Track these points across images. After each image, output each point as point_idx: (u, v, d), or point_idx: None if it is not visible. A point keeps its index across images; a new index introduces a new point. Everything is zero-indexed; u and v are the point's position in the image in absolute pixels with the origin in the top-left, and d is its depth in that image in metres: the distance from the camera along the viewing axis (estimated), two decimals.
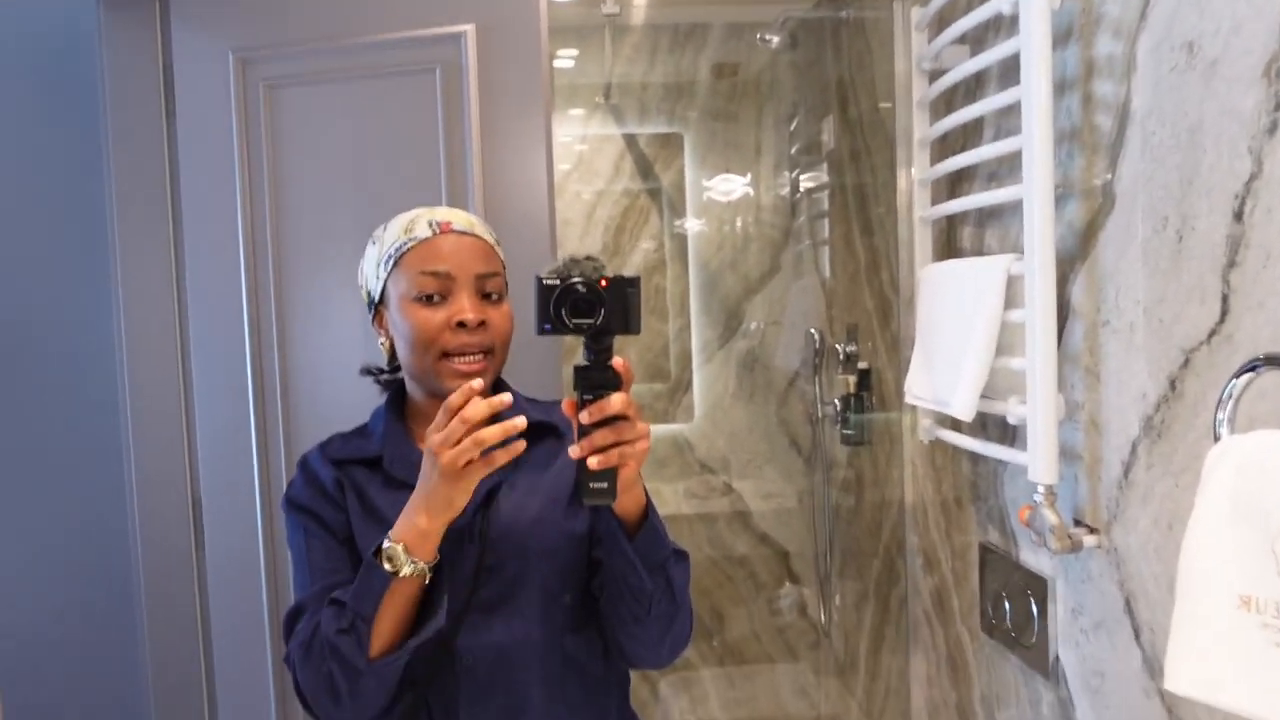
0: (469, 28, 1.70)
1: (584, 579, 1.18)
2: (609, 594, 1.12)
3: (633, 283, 0.95)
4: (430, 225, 1.14)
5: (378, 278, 1.17)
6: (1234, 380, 0.86)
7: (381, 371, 1.27)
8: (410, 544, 1.02)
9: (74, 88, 1.90)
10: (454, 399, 0.97)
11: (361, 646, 1.02)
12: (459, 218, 1.17)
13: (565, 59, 3.07)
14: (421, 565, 1.03)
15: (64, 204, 1.93)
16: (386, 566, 1.01)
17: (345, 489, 1.15)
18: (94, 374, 1.93)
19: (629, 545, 1.05)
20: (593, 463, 0.94)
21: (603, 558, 1.11)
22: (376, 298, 1.18)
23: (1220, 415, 0.87)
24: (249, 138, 1.80)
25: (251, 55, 1.79)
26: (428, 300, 1.11)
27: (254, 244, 1.81)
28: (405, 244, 1.14)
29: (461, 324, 1.11)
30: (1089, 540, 1.26)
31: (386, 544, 1.02)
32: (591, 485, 0.96)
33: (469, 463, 0.96)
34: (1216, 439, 0.87)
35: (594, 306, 0.93)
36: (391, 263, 1.15)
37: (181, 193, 1.84)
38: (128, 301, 1.87)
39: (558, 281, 0.94)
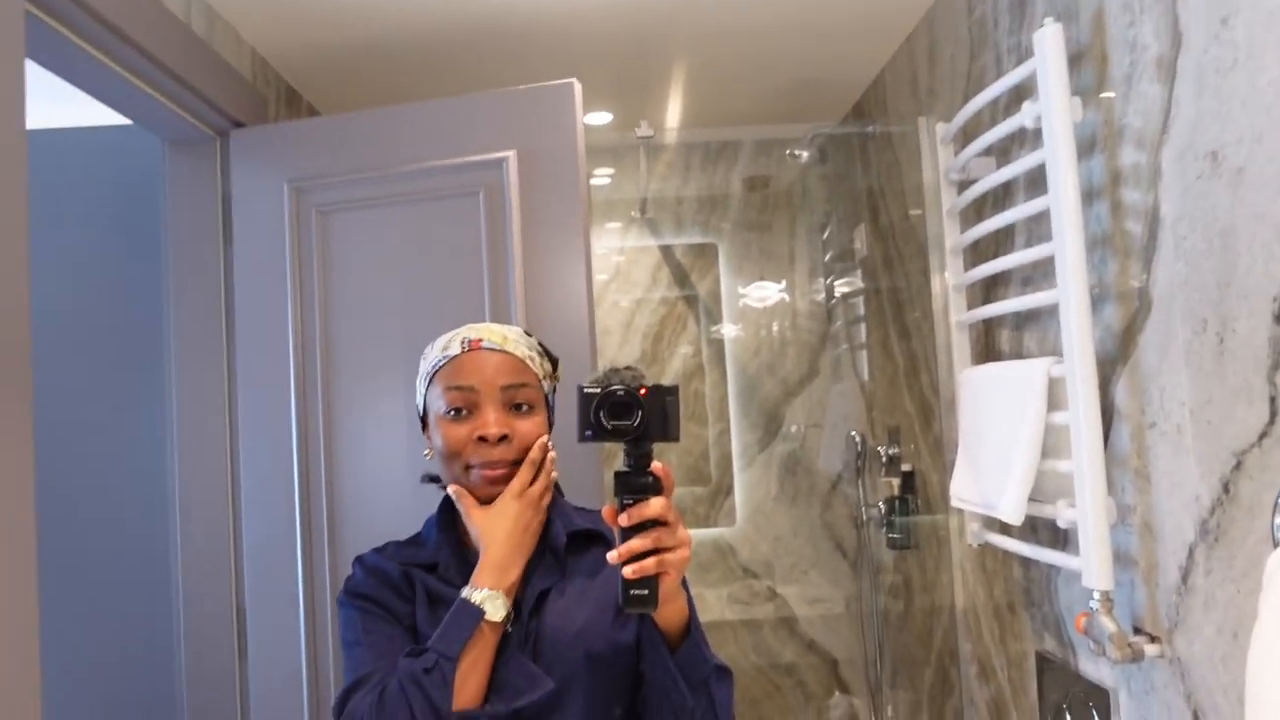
0: (510, 154, 1.78)
1: (634, 692, 1.17)
2: (650, 709, 1.11)
3: (672, 391, 0.98)
4: (462, 343, 1.19)
5: (420, 394, 1.22)
6: None
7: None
8: (507, 592, 1.09)
9: (138, 216, 2.00)
10: (535, 454, 1.16)
11: (446, 685, 1.02)
12: (492, 334, 1.21)
13: (601, 177, 3.18)
14: (511, 611, 1.08)
15: (124, 322, 2.01)
16: (483, 608, 1.06)
17: (415, 583, 1.18)
18: (145, 485, 1.97)
19: (671, 659, 1.05)
20: (628, 571, 0.95)
21: (645, 671, 1.11)
22: (421, 412, 1.23)
23: (1278, 520, 0.85)
24: (301, 260, 1.88)
25: (305, 185, 1.88)
26: (455, 414, 1.15)
27: (304, 361, 1.87)
28: (439, 362, 1.19)
29: (483, 438, 1.14)
30: (1150, 649, 1.22)
31: (476, 590, 1.08)
32: (632, 593, 0.97)
33: None
34: (1276, 544, 0.85)
35: (633, 411, 0.96)
36: (428, 380, 1.20)
37: (235, 312, 1.91)
38: (181, 415, 1.92)
39: (598, 390, 0.97)
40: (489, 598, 1.07)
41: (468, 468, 1.15)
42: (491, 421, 1.14)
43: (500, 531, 1.12)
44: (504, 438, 1.14)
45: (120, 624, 1.99)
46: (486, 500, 1.15)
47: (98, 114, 1.82)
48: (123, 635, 1.99)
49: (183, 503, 1.91)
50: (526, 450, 1.16)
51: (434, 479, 1.30)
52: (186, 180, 1.95)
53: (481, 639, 1.06)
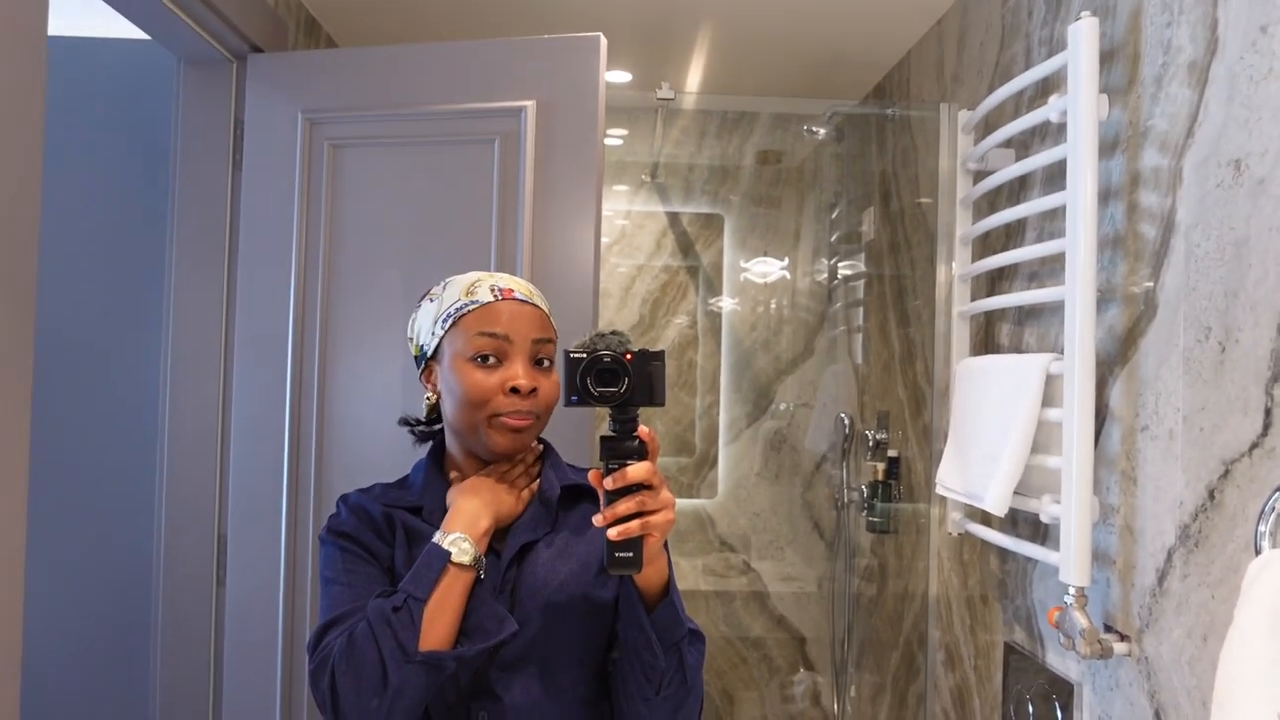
0: (530, 104, 1.77)
1: (605, 651, 1.18)
2: (621, 668, 1.11)
3: (657, 356, 0.99)
4: (493, 290, 1.18)
5: (433, 334, 1.19)
6: (1276, 494, 0.86)
7: (419, 423, 1.30)
8: (477, 538, 1.09)
9: (148, 133, 1.98)
10: (530, 457, 1.20)
11: (414, 625, 1.03)
12: (520, 286, 1.21)
13: (614, 137, 3.16)
14: (480, 557, 1.09)
15: (126, 238, 1.99)
16: (458, 556, 1.07)
17: (395, 525, 1.18)
18: (135, 406, 1.97)
19: (647, 619, 1.06)
20: (613, 533, 0.96)
21: (620, 629, 1.12)
22: (429, 353, 1.21)
23: (1262, 528, 0.87)
24: (310, 192, 1.87)
25: (320, 117, 1.86)
26: (483, 361, 1.15)
27: (304, 293, 1.86)
28: (466, 305, 1.17)
29: (515, 389, 1.14)
30: (1119, 647, 1.24)
31: (445, 535, 1.09)
32: (617, 554, 0.98)
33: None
34: (1258, 552, 0.87)
35: (619, 377, 0.97)
36: (450, 321, 1.18)
37: (240, 239, 1.90)
38: (176, 338, 1.92)
39: (584, 355, 0.98)
40: (456, 540, 1.08)
41: (493, 415, 1.14)
42: (523, 374, 1.14)
43: (479, 494, 1.14)
44: (533, 390, 1.14)
45: (101, 544, 1.99)
46: (503, 448, 1.15)
47: (115, 25, 1.79)
48: (102, 555, 1.99)
49: (172, 427, 1.91)
50: (548, 406, 1.17)
51: (410, 423, 1.30)
52: (200, 102, 1.93)
53: (449, 582, 1.06)
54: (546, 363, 1.18)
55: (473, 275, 1.21)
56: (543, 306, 1.20)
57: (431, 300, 1.22)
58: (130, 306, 2.00)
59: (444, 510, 1.17)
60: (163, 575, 1.91)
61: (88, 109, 2.00)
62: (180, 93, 1.93)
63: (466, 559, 1.07)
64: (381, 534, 1.17)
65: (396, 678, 1.01)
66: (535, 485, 1.21)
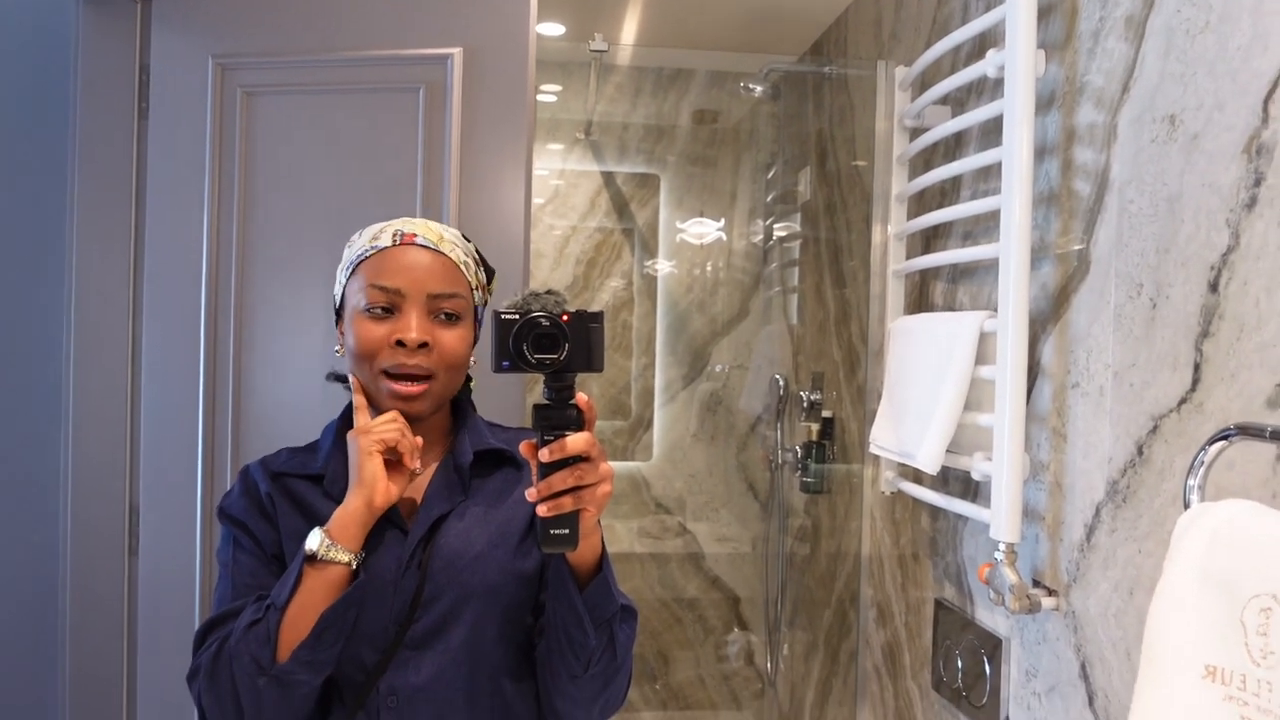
0: (456, 51, 1.70)
1: (530, 623, 1.12)
2: (547, 643, 1.05)
3: (596, 318, 0.91)
4: (394, 236, 1.11)
5: (340, 283, 1.14)
6: (1207, 448, 0.86)
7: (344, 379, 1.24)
8: (334, 530, 1.00)
9: (45, 80, 1.85)
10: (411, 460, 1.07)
11: (270, 637, 0.96)
12: (429, 232, 1.13)
13: (548, 94, 3.08)
14: (343, 554, 0.99)
15: (20, 192, 1.87)
16: (308, 548, 0.99)
17: (277, 502, 1.10)
18: (37, 368, 1.85)
19: (579, 596, 0.99)
20: (543, 509, 0.90)
21: (548, 603, 1.05)
22: (337, 304, 1.15)
23: (1191, 482, 0.87)
24: (222, 143, 1.77)
25: (232, 62, 1.76)
26: (374, 312, 1.08)
27: (218, 249, 1.77)
28: (366, 252, 1.10)
29: (400, 343, 1.06)
30: (1047, 602, 1.25)
31: (316, 531, 1.01)
32: (552, 531, 0.91)
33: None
34: (1186, 506, 0.87)
35: (556, 342, 0.89)
36: (350, 269, 1.11)
37: (147, 192, 1.79)
38: (80, 297, 1.80)
39: (517, 316, 0.89)
40: (315, 537, 1.00)
41: (381, 373, 1.07)
42: (413, 326, 1.06)
43: (355, 474, 1.04)
44: (424, 345, 1.07)
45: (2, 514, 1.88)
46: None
47: None
48: (3, 525, 1.88)
49: (77, 393, 1.81)
50: (447, 363, 1.09)
51: (341, 378, 1.24)
52: (101, 44, 1.81)
53: (309, 584, 0.98)
54: (451, 316, 1.10)
55: (389, 221, 1.15)
56: (451, 255, 1.13)
57: (348, 248, 1.16)
58: (28, 269, 1.87)
59: (345, 479, 1.08)
60: (70, 546, 1.81)
61: None
62: (79, 35, 1.80)
63: (319, 552, 0.99)
64: (268, 516, 1.09)
65: (249, 699, 0.96)
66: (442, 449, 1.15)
